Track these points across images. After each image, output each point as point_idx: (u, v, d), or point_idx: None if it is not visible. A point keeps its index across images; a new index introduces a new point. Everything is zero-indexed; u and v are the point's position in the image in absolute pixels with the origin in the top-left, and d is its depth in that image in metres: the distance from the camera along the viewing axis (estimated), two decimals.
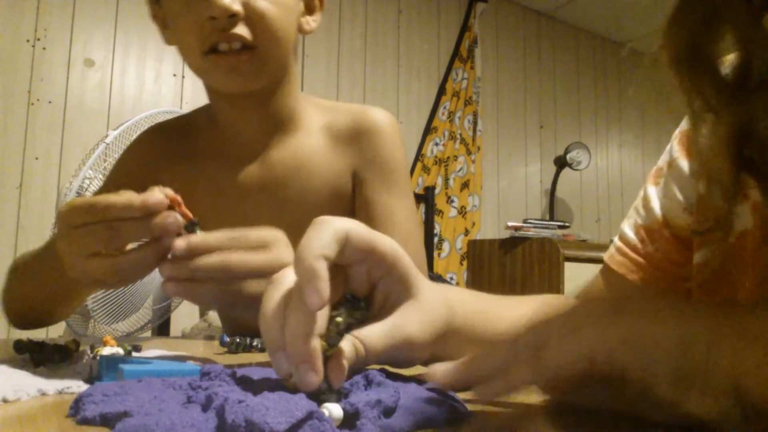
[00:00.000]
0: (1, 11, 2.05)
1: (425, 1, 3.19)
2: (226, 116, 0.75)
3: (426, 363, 0.46)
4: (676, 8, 0.37)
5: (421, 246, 0.79)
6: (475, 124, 3.20)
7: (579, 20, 3.75)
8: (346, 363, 0.32)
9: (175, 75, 2.36)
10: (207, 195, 0.76)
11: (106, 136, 1.21)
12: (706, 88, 0.37)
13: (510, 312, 0.48)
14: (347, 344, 0.33)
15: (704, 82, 0.37)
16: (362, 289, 0.37)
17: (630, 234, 0.56)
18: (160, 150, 0.79)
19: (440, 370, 0.33)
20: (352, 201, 0.77)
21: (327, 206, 0.75)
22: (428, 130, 3.09)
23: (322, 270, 0.30)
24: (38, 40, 2.13)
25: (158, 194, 0.44)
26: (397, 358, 0.37)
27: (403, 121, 3.02)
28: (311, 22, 0.75)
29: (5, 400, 0.37)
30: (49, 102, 2.14)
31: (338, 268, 0.35)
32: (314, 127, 0.78)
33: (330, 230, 0.32)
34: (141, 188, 0.74)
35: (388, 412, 0.31)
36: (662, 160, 0.56)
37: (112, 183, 0.79)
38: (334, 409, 0.29)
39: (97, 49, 2.25)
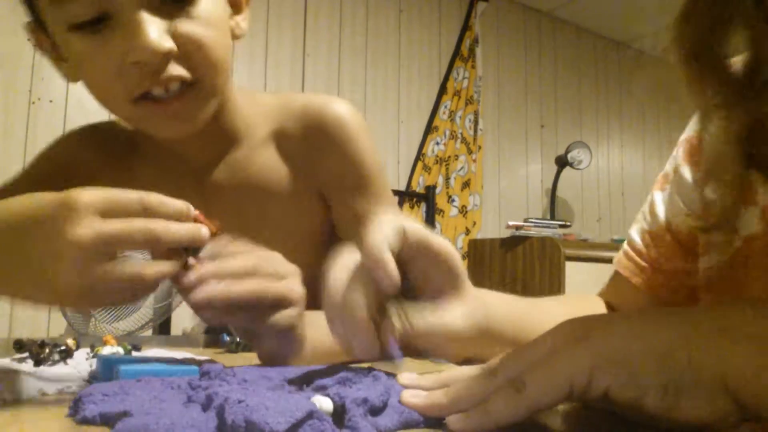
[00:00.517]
0: (1, 10, 2.05)
1: (426, 1, 3.19)
2: (163, 142, 0.65)
3: (461, 363, 0.47)
4: (685, 7, 0.37)
5: None
6: (476, 123, 3.20)
7: (580, 19, 3.74)
8: (393, 333, 0.36)
9: None
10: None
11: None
12: (715, 86, 0.37)
13: (543, 316, 0.49)
14: (396, 320, 0.37)
15: (714, 80, 0.37)
16: (415, 283, 0.39)
17: (636, 238, 0.57)
18: (95, 154, 0.69)
19: (412, 395, 0.33)
20: (321, 211, 0.70)
21: (285, 222, 0.69)
22: (429, 129, 3.09)
23: (390, 257, 0.34)
24: None
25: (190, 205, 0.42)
26: (436, 348, 0.39)
27: (404, 120, 3.01)
28: (241, 23, 0.63)
29: (5, 400, 0.37)
30: (50, 101, 2.14)
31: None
32: (260, 136, 0.68)
33: (391, 226, 0.36)
34: (64, 184, 0.64)
35: (375, 410, 0.31)
36: (669, 166, 0.56)
37: (35, 176, 0.68)
38: (324, 402, 0.30)
39: None
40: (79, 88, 2.11)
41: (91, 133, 0.71)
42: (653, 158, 4.05)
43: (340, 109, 0.68)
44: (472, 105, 3.20)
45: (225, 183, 0.67)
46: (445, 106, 3.14)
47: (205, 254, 0.43)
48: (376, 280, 0.34)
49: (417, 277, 0.38)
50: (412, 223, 0.37)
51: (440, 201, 3.05)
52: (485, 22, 3.35)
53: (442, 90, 3.16)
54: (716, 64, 0.37)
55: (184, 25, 0.53)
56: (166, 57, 0.52)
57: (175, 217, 0.40)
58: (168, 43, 0.51)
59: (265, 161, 0.68)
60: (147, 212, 0.39)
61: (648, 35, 3.75)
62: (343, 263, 0.36)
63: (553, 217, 3.24)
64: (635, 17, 3.55)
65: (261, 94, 0.73)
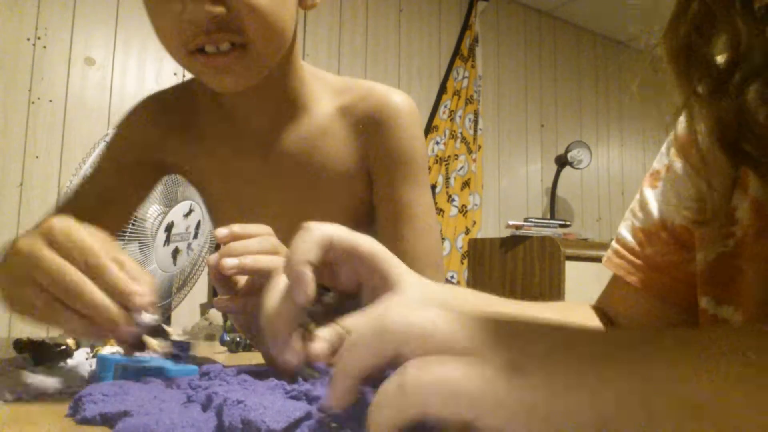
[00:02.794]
0: (1, 10, 2.05)
1: (426, 0, 3.19)
2: (229, 103, 0.70)
3: None
4: (675, 11, 0.40)
5: (438, 238, 0.76)
6: (475, 122, 3.20)
7: (580, 19, 3.74)
8: (322, 344, 0.36)
9: (175, 74, 2.36)
10: (214, 178, 0.74)
11: (107, 134, 1.21)
12: (699, 82, 0.39)
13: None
14: (329, 330, 0.37)
15: (698, 76, 0.39)
16: (351, 286, 0.40)
17: (627, 237, 0.57)
18: (163, 124, 0.74)
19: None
20: (366, 190, 0.74)
21: (339, 195, 0.73)
22: (429, 128, 3.09)
23: (307, 274, 0.35)
24: (39, 38, 2.13)
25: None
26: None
27: None
28: None
29: (5, 400, 0.37)
30: (50, 101, 2.14)
31: (325, 265, 0.39)
32: (326, 110, 0.72)
33: (315, 237, 0.36)
34: (143, 163, 0.74)
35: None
36: (659, 163, 0.57)
37: (113, 157, 0.76)
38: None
39: (98, 47, 2.25)
40: (78, 89, 2.09)
41: (153, 105, 0.76)
42: (653, 157, 4.02)
43: (401, 98, 0.73)
44: (472, 104, 3.20)
45: (291, 149, 0.71)
46: (445, 106, 3.14)
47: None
48: (293, 293, 0.35)
49: (352, 281, 0.39)
50: (339, 230, 0.38)
51: (440, 200, 3.05)
52: (485, 21, 3.35)
53: (442, 89, 3.16)
54: (701, 62, 0.39)
55: None
56: (215, 19, 0.56)
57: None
58: (218, 8, 0.55)
59: (333, 133, 0.71)
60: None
61: (647, 33, 3.75)
62: (277, 282, 0.37)
63: (553, 217, 3.24)
64: (635, 17, 3.54)
65: (325, 73, 0.76)
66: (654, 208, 0.55)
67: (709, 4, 0.37)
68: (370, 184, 0.73)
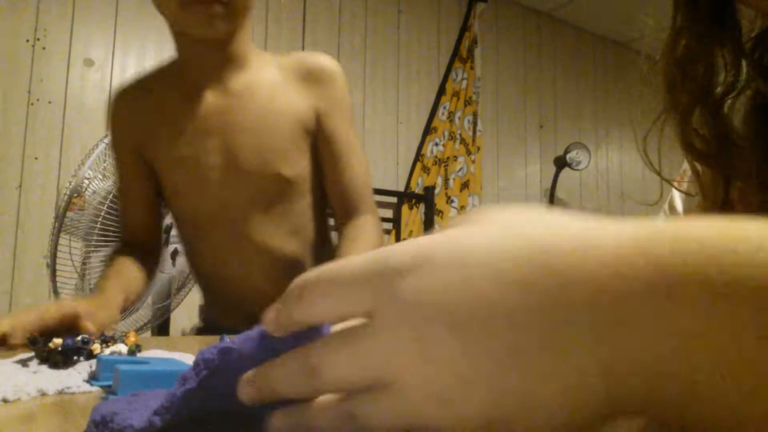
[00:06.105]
0: (0, 11, 2.05)
1: (425, 1, 3.19)
2: (189, 56, 0.86)
3: None
4: (667, 42, 0.45)
5: (368, 170, 0.93)
6: (474, 124, 3.20)
7: (579, 20, 3.75)
8: None
9: None
10: (169, 126, 0.87)
11: (106, 136, 1.21)
12: (684, 94, 0.44)
13: None
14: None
15: (683, 90, 0.44)
16: None
17: None
18: (130, 114, 0.90)
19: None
20: (314, 132, 0.89)
21: (290, 130, 0.87)
22: (428, 130, 3.09)
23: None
24: (38, 40, 2.13)
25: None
26: None
27: (403, 120, 3.02)
28: None
29: (5, 400, 0.37)
30: (49, 102, 2.14)
31: None
32: (265, 65, 0.89)
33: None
34: (135, 148, 0.91)
35: None
36: (686, 163, 0.59)
37: (118, 158, 0.93)
38: None
39: (97, 49, 2.25)
40: (78, 90, 2.08)
41: (123, 99, 0.92)
42: (653, 159, 4.04)
43: (330, 59, 0.92)
44: (471, 106, 3.20)
45: (233, 91, 0.87)
46: (444, 107, 3.14)
47: None
48: None
49: None
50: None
51: (439, 202, 3.05)
52: (484, 23, 3.36)
53: (441, 91, 3.16)
54: (688, 78, 0.43)
55: None
56: None
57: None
58: None
59: (272, 80, 0.88)
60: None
61: (647, 36, 3.76)
62: None
63: None
64: (634, 18, 3.55)
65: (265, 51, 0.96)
66: (679, 204, 0.58)
67: (699, 40, 0.42)
68: (314, 124, 0.89)
